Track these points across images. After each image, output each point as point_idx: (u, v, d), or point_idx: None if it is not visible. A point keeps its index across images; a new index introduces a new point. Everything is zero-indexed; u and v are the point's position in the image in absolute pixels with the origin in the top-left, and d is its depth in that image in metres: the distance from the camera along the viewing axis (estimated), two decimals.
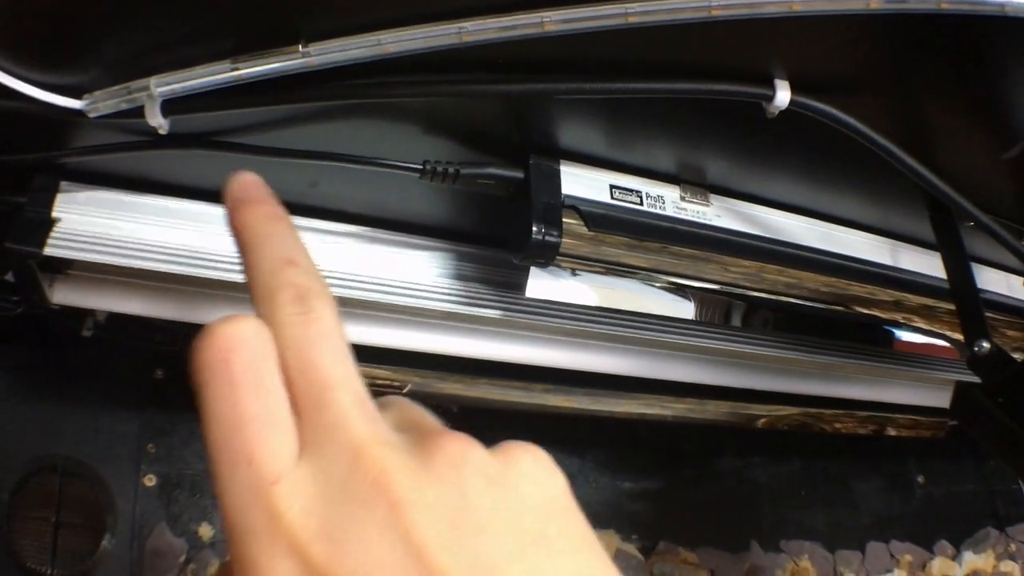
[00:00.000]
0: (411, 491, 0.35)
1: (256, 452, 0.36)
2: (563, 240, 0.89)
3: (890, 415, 1.63)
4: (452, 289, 1.05)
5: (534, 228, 0.88)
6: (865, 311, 1.11)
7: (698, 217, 0.98)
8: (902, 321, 1.16)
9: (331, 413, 0.37)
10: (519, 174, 0.91)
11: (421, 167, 0.88)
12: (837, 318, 1.24)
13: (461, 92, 0.79)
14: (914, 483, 1.97)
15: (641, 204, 0.95)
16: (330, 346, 0.40)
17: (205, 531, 1.31)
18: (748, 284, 1.02)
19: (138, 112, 0.76)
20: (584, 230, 0.90)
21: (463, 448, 0.38)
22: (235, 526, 0.36)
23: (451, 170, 0.89)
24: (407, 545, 0.34)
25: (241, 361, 0.39)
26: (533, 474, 0.39)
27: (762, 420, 1.51)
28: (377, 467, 0.35)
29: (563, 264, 0.92)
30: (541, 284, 1.07)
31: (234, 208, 0.47)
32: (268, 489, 0.35)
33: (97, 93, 0.76)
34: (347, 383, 0.39)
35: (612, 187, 0.95)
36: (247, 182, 0.48)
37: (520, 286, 1.06)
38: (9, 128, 0.84)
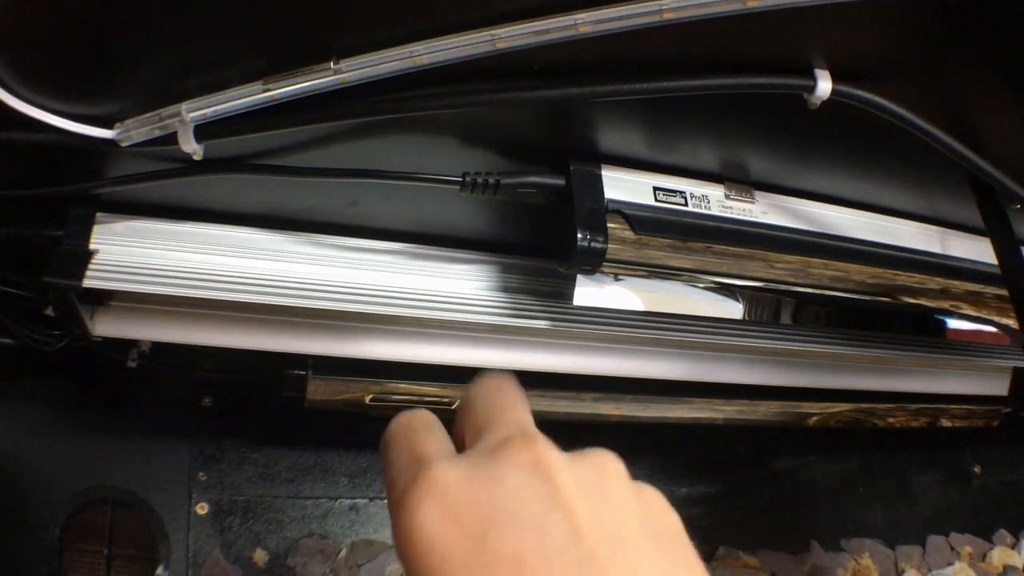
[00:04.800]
0: (558, 461, 0.44)
1: (422, 450, 0.47)
2: (609, 246, 0.87)
3: (943, 406, 1.61)
4: (498, 301, 1.04)
5: (579, 235, 0.86)
6: (912, 301, 1.10)
7: (744, 215, 0.97)
8: (950, 308, 1.14)
9: (496, 419, 0.48)
10: (560, 181, 0.89)
11: (461, 180, 0.87)
12: (886, 310, 1.22)
13: (497, 101, 0.77)
14: (971, 473, 1.95)
15: (686, 205, 0.94)
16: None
17: (260, 556, 1.30)
18: (794, 280, 1.01)
19: (171, 139, 0.76)
20: (629, 234, 0.89)
21: (609, 458, 0.47)
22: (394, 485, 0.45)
23: (491, 181, 0.88)
24: (548, 485, 0.42)
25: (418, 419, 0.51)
26: (659, 502, 0.47)
27: (814, 418, 1.49)
28: (528, 441, 0.45)
29: (608, 270, 0.91)
30: (588, 292, 1.06)
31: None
32: (431, 464, 0.44)
33: (129, 122, 0.75)
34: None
35: (656, 189, 0.93)
36: None
37: (567, 295, 1.05)
38: (42, 161, 0.84)
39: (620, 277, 1.09)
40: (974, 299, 1.15)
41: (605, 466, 0.46)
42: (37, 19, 0.66)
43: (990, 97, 0.88)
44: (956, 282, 1.12)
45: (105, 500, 1.23)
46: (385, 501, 1.40)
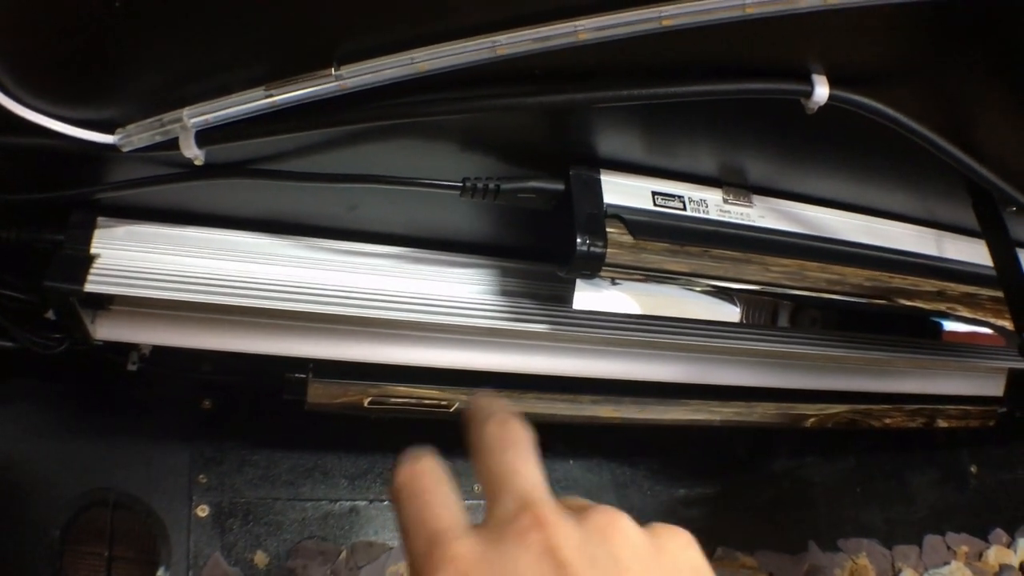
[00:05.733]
0: (564, 537, 0.43)
1: (439, 523, 0.46)
2: (608, 250, 0.88)
3: (939, 407, 1.61)
4: (498, 305, 1.04)
5: (578, 240, 0.86)
6: (908, 303, 1.10)
7: (742, 219, 0.97)
8: (946, 311, 1.14)
9: (515, 482, 0.47)
10: (560, 186, 0.90)
11: (461, 184, 0.87)
12: (882, 312, 1.22)
13: (497, 107, 0.77)
14: (967, 473, 1.95)
15: (684, 209, 0.94)
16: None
17: (260, 559, 1.30)
18: (790, 283, 1.01)
19: (173, 144, 0.76)
20: (628, 239, 0.89)
21: (613, 517, 0.46)
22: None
23: (491, 186, 0.88)
24: (555, 565, 0.42)
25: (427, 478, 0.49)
26: (675, 542, 0.47)
27: (811, 420, 1.50)
28: (535, 518, 0.44)
29: (607, 274, 0.91)
30: (588, 296, 1.06)
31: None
32: (448, 540, 0.44)
33: (130, 127, 0.76)
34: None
35: (654, 194, 0.93)
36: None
37: (566, 299, 1.05)
38: (44, 166, 0.84)
39: (616, 281, 1.09)
40: (969, 301, 1.15)
41: (608, 528, 0.46)
42: (39, 24, 0.66)
43: (987, 102, 0.88)
44: (951, 284, 1.12)
45: (106, 502, 1.23)
46: (385, 503, 1.40)
